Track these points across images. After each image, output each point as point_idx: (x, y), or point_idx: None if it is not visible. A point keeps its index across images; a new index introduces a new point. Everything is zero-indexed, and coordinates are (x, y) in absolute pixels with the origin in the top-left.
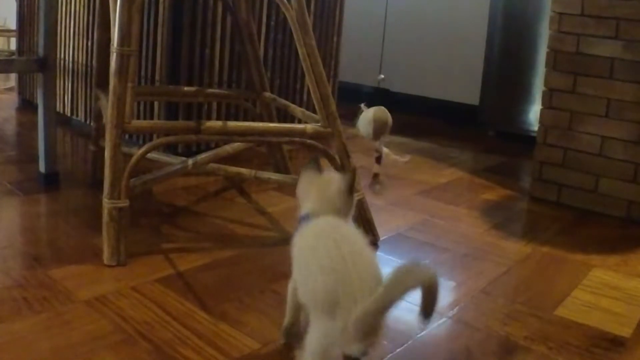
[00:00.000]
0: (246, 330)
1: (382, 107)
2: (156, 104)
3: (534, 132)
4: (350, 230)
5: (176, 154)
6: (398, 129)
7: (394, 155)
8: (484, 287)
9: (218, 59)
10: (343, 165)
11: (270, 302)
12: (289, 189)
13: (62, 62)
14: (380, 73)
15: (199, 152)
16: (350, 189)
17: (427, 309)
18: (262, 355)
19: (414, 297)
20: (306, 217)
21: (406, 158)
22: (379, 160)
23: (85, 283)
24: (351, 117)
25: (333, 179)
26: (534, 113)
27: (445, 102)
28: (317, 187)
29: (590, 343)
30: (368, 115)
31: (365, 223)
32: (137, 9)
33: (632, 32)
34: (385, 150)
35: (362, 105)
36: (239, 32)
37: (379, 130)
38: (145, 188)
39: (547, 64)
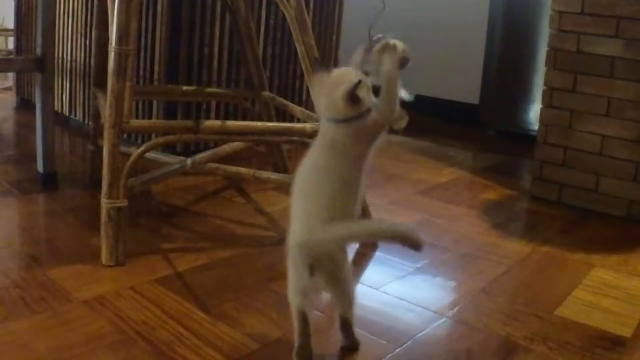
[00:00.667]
0: (245, 331)
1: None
2: (155, 103)
3: (534, 131)
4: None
5: (175, 153)
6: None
7: None
8: (484, 286)
9: (217, 58)
10: None
11: (269, 302)
12: (288, 189)
13: (60, 61)
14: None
15: (197, 151)
16: (352, 96)
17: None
18: (261, 356)
19: (414, 297)
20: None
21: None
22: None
23: (84, 283)
24: None
25: (340, 81)
26: (534, 112)
27: (445, 101)
28: (326, 90)
29: (590, 343)
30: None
31: None
32: (135, 8)
33: (632, 31)
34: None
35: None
36: (237, 31)
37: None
38: (143, 188)
39: (547, 63)
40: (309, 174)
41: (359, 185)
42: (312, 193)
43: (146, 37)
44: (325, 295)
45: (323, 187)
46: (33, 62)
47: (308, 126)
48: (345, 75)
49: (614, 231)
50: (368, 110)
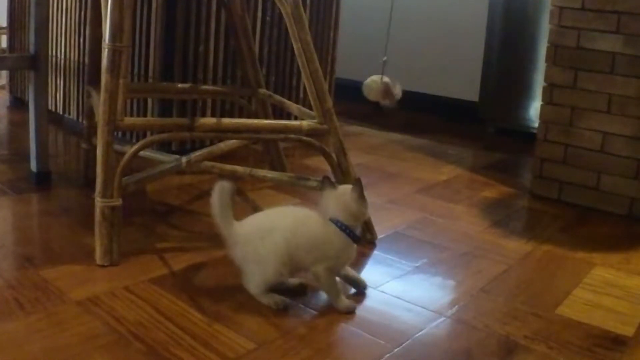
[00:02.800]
0: (241, 331)
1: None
2: (149, 101)
3: (534, 128)
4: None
5: (170, 152)
6: (397, 126)
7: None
8: (483, 286)
9: (212, 55)
10: (339, 163)
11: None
12: (285, 187)
13: (53, 59)
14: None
15: (193, 150)
16: (361, 194)
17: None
18: (258, 356)
19: (412, 296)
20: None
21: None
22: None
23: (78, 283)
24: (349, 114)
25: (346, 189)
26: (534, 109)
27: (445, 99)
28: (335, 199)
29: (591, 342)
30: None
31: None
32: (129, 4)
33: (633, 27)
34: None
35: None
36: (233, 28)
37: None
38: (138, 186)
39: (547, 59)
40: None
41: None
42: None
43: (140, 34)
44: (324, 295)
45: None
46: (26, 60)
47: (305, 124)
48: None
49: (615, 229)
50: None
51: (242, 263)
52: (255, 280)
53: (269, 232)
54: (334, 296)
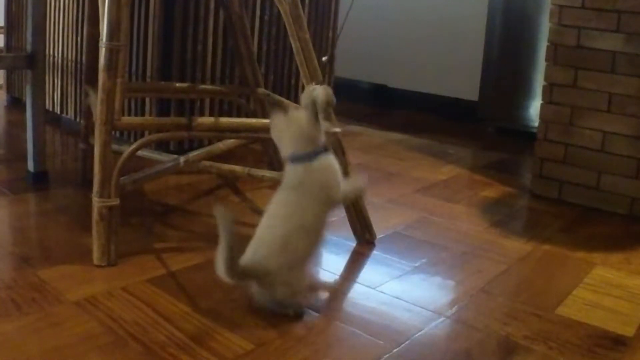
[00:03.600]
0: (239, 331)
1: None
2: (147, 100)
3: (534, 127)
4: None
5: (168, 151)
6: (396, 125)
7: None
8: (483, 286)
9: (211, 54)
10: (338, 162)
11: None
12: None
13: (51, 58)
14: (378, 70)
15: (191, 149)
16: (316, 117)
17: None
18: (256, 357)
19: (412, 296)
20: (292, 156)
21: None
22: None
23: (75, 284)
24: (348, 113)
25: (299, 114)
26: (534, 108)
27: (444, 98)
28: (289, 126)
29: (592, 343)
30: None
31: (361, 221)
32: (127, 3)
33: (633, 25)
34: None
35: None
36: (231, 27)
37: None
38: (136, 186)
39: (547, 58)
40: (276, 207)
41: (319, 236)
42: (272, 223)
43: (138, 33)
44: (324, 295)
45: (283, 222)
46: (23, 60)
47: None
48: (301, 112)
49: (615, 229)
50: (325, 149)
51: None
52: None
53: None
54: None
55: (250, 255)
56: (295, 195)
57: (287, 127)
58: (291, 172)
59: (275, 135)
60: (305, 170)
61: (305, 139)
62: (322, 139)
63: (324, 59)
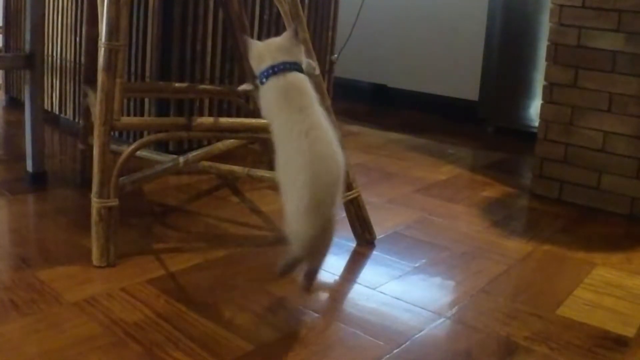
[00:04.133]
0: (239, 332)
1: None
2: (146, 100)
3: (534, 127)
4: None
5: (167, 151)
6: (396, 125)
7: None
8: (483, 286)
9: (210, 53)
10: None
11: (264, 303)
12: None
13: (49, 58)
14: (378, 70)
15: (190, 149)
16: (296, 33)
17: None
18: (256, 357)
19: (412, 297)
20: (269, 69)
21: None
22: None
23: (74, 284)
24: (347, 113)
25: (278, 38)
26: (534, 108)
27: (444, 98)
28: (267, 46)
29: (592, 343)
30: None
31: (361, 221)
32: (126, 2)
33: (634, 25)
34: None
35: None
36: (231, 26)
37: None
38: (135, 187)
39: (547, 58)
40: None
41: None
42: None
43: (137, 33)
44: (324, 295)
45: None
46: (22, 60)
47: None
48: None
49: (616, 229)
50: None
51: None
52: None
53: None
54: None
55: None
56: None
57: (266, 48)
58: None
59: (254, 60)
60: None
61: (286, 52)
62: (302, 58)
63: (333, 57)
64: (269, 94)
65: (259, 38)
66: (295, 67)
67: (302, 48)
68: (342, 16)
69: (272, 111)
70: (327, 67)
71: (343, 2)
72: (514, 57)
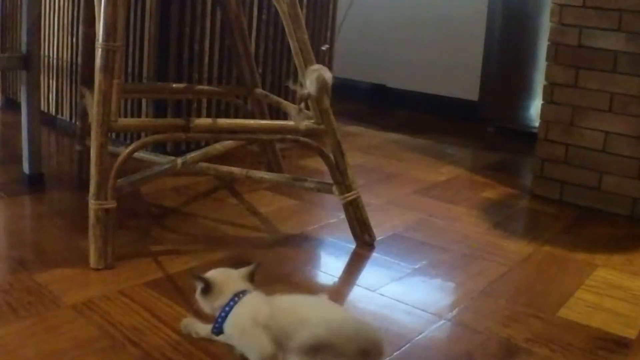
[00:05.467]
0: None
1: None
2: (144, 101)
3: (535, 127)
4: None
5: (165, 153)
6: (395, 126)
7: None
8: (484, 288)
9: (208, 54)
10: (337, 163)
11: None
12: (282, 189)
13: (46, 59)
14: (377, 70)
15: (188, 151)
16: (252, 275)
17: None
18: None
19: (412, 299)
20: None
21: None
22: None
23: (72, 287)
24: (347, 114)
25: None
26: (535, 108)
27: (444, 98)
28: (223, 276)
29: (594, 345)
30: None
31: (360, 223)
32: (123, 3)
33: (635, 24)
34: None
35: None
36: (229, 27)
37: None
38: (133, 188)
39: (548, 58)
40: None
41: None
42: None
43: (134, 33)
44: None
45: None
46: (18, 60)
47: (302, 124)
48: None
49: (617, 230)
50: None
51: None
52: None
53: None
54: None
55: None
56: None
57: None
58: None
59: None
60: None
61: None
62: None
63: (323, 47)
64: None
65: (257, 38)
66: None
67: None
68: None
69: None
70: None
71: (341, 2)
72: (514, 57)
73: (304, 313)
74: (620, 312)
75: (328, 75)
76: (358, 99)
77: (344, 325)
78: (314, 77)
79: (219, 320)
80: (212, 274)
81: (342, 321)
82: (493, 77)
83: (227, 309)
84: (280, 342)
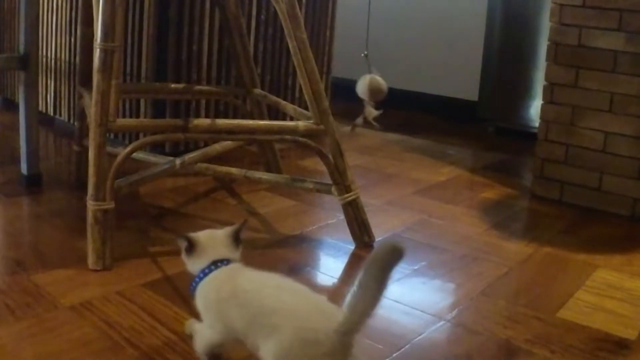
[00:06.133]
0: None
1: (378, 78)
2: (142, 101)
3: (535, 128)
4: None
5: (163, 153)
6: (395, 126)
7: (373, 121)
8: (483, 288)
9: (206, 54)
10: (336, 164)
11: None
12: (281, 189)
13: (44, 59)
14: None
15: (187, 151)
16: (237, 234)
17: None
18: None
19: (411, 300)
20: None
21: (377, 127)
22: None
23: (70, 288)
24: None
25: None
26: (534, 108)
27: (443, 98)
28: (207, 238)
29: (594, 346)
30: (365, 80)
31: (360, 224)
32: (121, 3)
33: (635, 24)
34: (371, 111)
35: (364, 54)
36: (227, 27)
37: (371, 95)
38: (131, 189)
39: (548, 58)
40: None
41: None
42: None
43: (133, 33)
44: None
45: None
46: (16, 61)
47: (301, 124)
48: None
49: (617, 231)
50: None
51: None
52: None
53: None
54: None
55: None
56: None
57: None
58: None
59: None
60: None
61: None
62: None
63: (363, 54)
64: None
65: (256, 38)
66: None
67: (239, 246)
68: (341, 16)
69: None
70: (324, 68)
71: (340, 1)
72: (514, 57)
73: (265, 300)
74: (620, 313)
75: (381, 82)
76: (357, 99)
77: (306, 322)
78: (365, 85)
79: (193, 284)
80: (196, 234)
81: (304, 317)
82: (493, 77)
83: (201, 275)
84: (243, 326)
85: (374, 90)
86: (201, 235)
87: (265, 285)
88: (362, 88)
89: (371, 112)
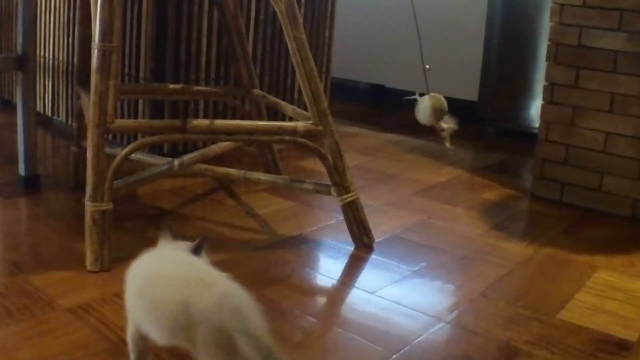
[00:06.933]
0: None
1: (437, 95)
2: (140, 102)
3: (535, 128)
4: None
5: (162, 154)
6: (394, 126)
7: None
8: (483, 290)
9: (205, 54)
10: (335, 165)
11: (261, 307)
12: (280, 190)
13: (42, 59)
14: (376, 69)
15: (185, 152)
16: (197, 250)
17: None
18: None
19: (411, 301)
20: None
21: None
22: (441, 132)
23: (68, 290)
24: (345, 114)
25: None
26: (535, 109)
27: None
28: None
29: (594, 347)
30: (425, 103)
31: (359, 224)
32: (119, 3)
33: (636, 24)
34: (445, 126)
35: (416, 95)
36: (226, 27)
37: (437, 116)
38: (129, 190)
39: (548, 58)
40: None
41: None
42: None
43: (131, 33)
44: (321, 300)
45: None
46: (14, 61)
47: (300, 125)
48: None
49: (618, 231)
50: None
51: None
52: None
53: None
54: None
55: None
56: None
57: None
58: None
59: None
60: None
61: None
62: None
63: (426, 67)
64: None
65: (255, 39)
66: None
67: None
68: (340, 15)
69: None
70: (323, 68)
71: (340, 1)
72: (514, 56)
73: (158, 293)
74: (621, 314)
75: (442, 100)
76: (357, 99)
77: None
78: (428, 108)
79: None
80: (161, 242)
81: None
82: (493, 77)
83: None
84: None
85: (437, 111)
86: (163, 242)
87: (160, 276)
88: (425, 112)
89: (451, 127)
